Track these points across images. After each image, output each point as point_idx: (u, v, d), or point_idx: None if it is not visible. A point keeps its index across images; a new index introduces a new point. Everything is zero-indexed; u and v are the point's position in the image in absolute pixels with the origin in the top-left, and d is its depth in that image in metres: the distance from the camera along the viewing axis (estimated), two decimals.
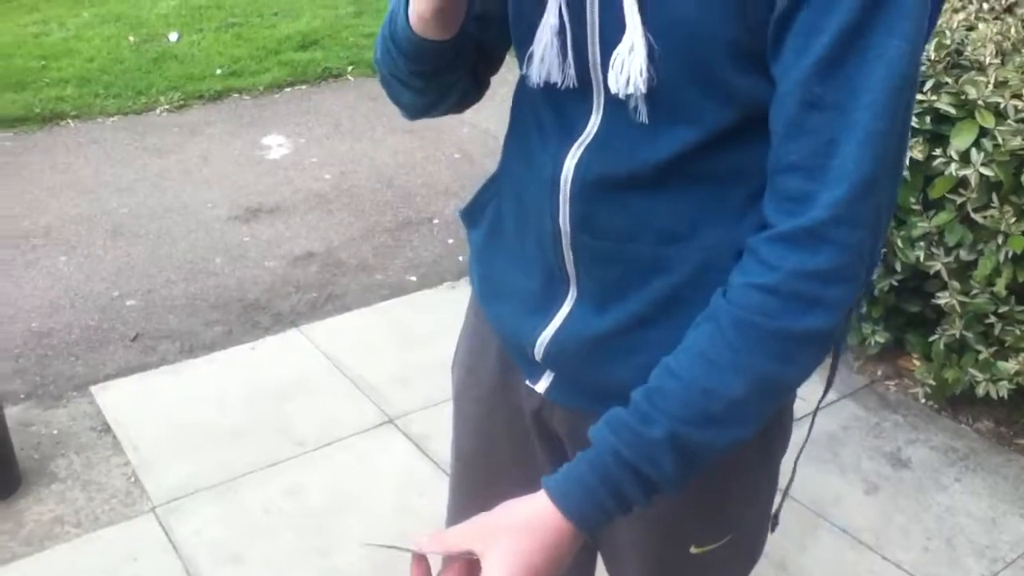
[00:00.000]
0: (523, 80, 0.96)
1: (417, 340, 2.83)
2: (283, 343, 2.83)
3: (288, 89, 4.92)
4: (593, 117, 0.86)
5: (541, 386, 0.99)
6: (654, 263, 0.87)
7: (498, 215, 1.02)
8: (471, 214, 1.08)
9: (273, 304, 3.05)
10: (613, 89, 0.81)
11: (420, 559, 0.79)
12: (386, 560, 2.01)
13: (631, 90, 0.80)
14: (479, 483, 1.19)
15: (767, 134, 0.78)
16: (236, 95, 4.80)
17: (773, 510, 1.07)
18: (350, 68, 5.16)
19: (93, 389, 2.57)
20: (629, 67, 0.79)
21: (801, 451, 1.03)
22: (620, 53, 0.79)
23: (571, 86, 0.86)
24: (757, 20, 0.74)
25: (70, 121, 4.41)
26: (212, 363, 2.71)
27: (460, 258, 3.36)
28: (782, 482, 1.05)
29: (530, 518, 0.76)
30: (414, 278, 3.24)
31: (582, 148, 0.87)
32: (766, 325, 0.76)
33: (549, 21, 0.84)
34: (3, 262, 3.20)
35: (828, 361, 0.89)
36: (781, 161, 0.76)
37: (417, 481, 2.25)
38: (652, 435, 0.76)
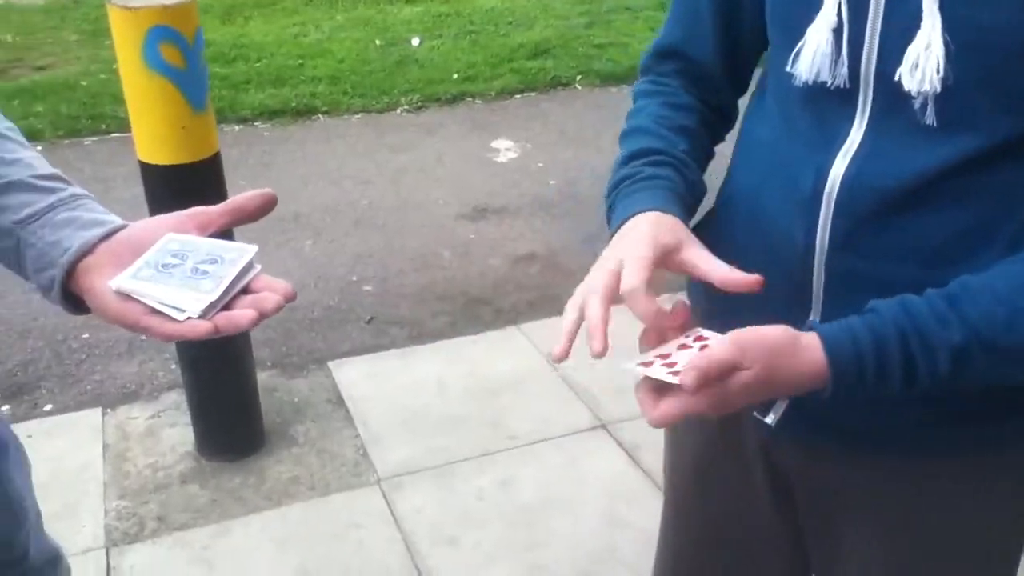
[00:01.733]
0: (766, 91, 0.95)
1: (634, 350, 2.82)
2: (503, 339, 2.92)
3: (518, 96, 5.08)
4: (857, 122, 0.83)
5: (771, 418, 0.94)
6: (915, 289, 0.80)
7: (729, 232, 0.98)
8: (696, 233, 1.07)
9: (495, 300, 3.16)
10: (907, 86, 0.78)
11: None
12: (588, 565, 2.04)
13: (926, 87, 0.77)
14: (693, 512, 1.18)
15: None
16: (470, 99, 5.01)
17: None
18: (578, 78, 5.26)
19: (331, 364, 2.77)
20: (924, 64, 0.77)
21: None
22: (915, 49, 0.77)
23: (842, 85, 0.83)
24: None
25: (320, 116, 4.76)
26: (437, 351, 2.84)
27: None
28: None
29: (795, 344, 0.77)
30: None
31: (848, 156, 0.84)
32: None
33: (828, 17, 0.82)
34: (257, 242, 3.50)
35: None
36: None
37: (627, 490, 2.26)
38: (944, 337, 0.75)
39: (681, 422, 1.08)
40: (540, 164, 4.23)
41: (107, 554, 2.07)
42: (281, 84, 5.04)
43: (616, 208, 0.95)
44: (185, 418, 2.52)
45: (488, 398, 2.61)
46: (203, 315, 0.67)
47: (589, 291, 0.83)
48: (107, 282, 0.71)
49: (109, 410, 2.58)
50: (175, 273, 0.70)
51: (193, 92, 1.83)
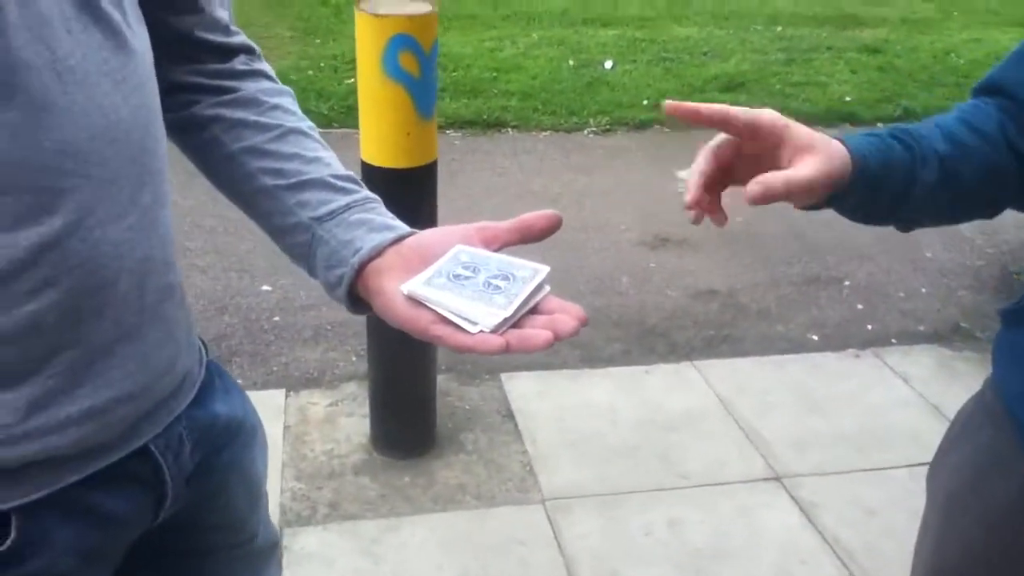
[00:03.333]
0: None
1: (815, 404, 2.71)
2: (676, 373, 2.86)
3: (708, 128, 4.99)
4: None
5: None
6: None
7: None
8: (1018, 313, 0.98)
9: (671, 333, 3.10)
10: None
11: None
12: None
13: None
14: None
15: None
16: (658, 127, 4.97)
17: None
18: None
19: (503, 376, 2.79)
20: None
21: None
22: None
23: None
24: None
25: (510, 130, 4.84)
26: (607, 378, 2.81)
27: (868, 327, 3.18)
28: None
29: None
30: (816, 337, 3.11)
31: None
32: None
33: None
34: None
35: None
36: None
37: (801, 549, 2.15)
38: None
39: (961, 511, 0.98)
40: (725, 199, 4.12)
41: (280, 534, 2.15)
42: (475, 95, 5.16)
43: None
44: (362, 410, 2.60)
45: (660, 432, 2.56)
46: (495, 330, 0.66)
47: None
48: (398, 285, 0.71)
49: (292, 392, 2.69)
50: (467, 285, 0.69)
51: (423, 100, 1.88)
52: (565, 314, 0.69)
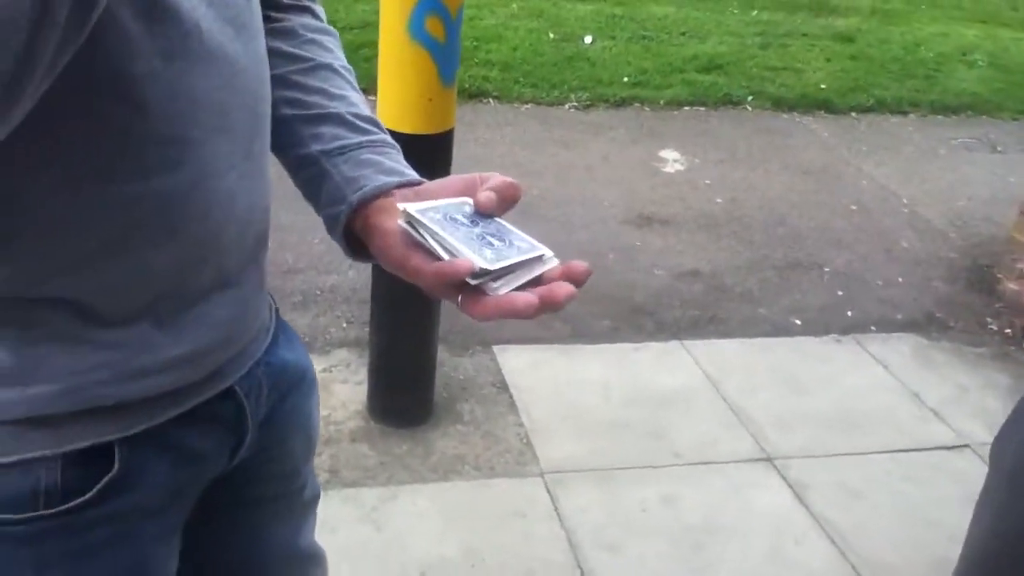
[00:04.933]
0: None
1: (800, 386, 2.77)
2: (665, 352, 2.89)
3: (687, 108, 5.02)
4: None
5: None
6: None
7: None
8: None
9: (658, 312, 3.13)
10: None
11: None
12: None
13: None
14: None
15: None
16: (638, 105, 4.98)
17: None
18: (750, 98, 5.16)
19: (495, 348, 2.79)
20: None
21: None
22: None
23: None
24: None
25: (491, 100, 4.81)
26: (599, 353, 2.83)
27: (848, 313, 3.24)
28: None
29: None
30: (798, 321, 3.17)
31: None
32: None
33: None
34: None
35: None
36: None
37: (793, 529, 2.20)
38: None
39: None
40: (707, 180, 4.17)
41: None
42: None
43: None
44: (356, 376, 2.58)
45: (652, 409, 2.59)
46: (473, 279, 0.63)
47: None
48: (398, 222, 0.70)
49: None
50: (461, 229, 0.66)
51: (446, 66, 1.86)
52: (563, 281, 0.65)
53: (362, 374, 2.54)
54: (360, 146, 0.80)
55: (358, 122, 0.82)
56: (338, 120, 0.81)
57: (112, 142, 0.60)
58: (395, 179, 0.76)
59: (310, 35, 0.86)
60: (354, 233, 0.77)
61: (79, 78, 0.55)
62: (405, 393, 2.41)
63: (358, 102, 0.84)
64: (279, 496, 0.94)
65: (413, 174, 0.79)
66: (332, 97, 0.83)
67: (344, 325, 2.83)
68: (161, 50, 0.59)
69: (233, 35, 0.66)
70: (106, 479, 0.71)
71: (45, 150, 0.58)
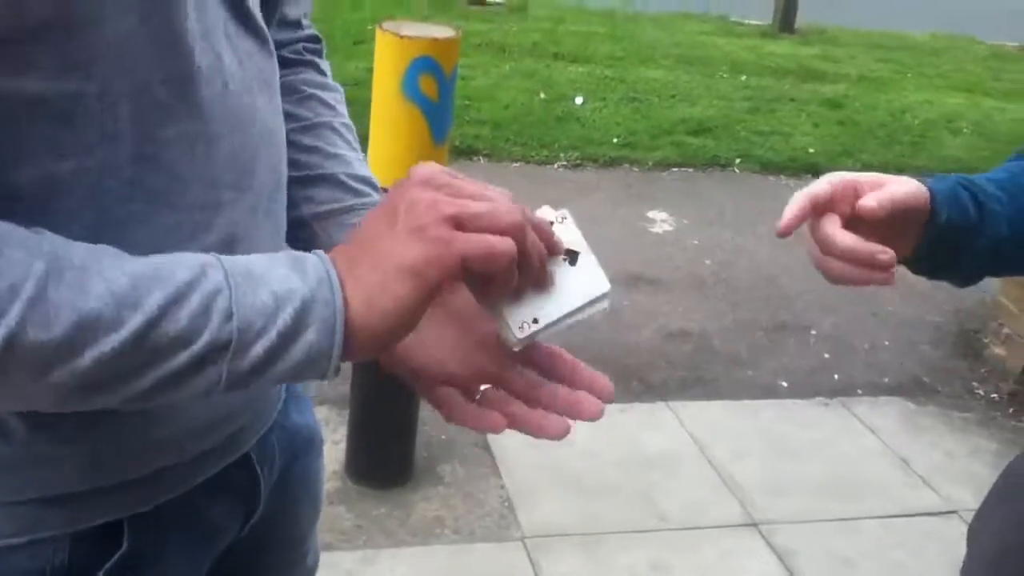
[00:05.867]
0: None
1: (788, 450, 2.74)
2: (651, 414, 2.86)
3: (676, 169, 5.06)
4: None
5: None
6: None
7: None
8: None
9: (645, 373, 3.10)
10: None
11: None
12: None
13: None
14: None
15: None
16: (627, 165, 5.02)
17: None
18: (738, 160, 5.21)
19: None
20: None
21: None
22: None
23: None
24: None
25: (481, 159, 4.84)
26: None
27: (835, 376, 3.22)
28: None
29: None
30: (785, 384, 3.15)
31: None
32: None
33: None
34: None
35: None
36: None
37: None
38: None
39: None
40: (695, 241, 4.18)
41: None
42: None
43: None
44: (335, 435, 2.53)
45: (638, 472, 2.54)
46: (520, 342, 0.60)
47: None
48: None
49: None
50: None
51: (438, 125, 1.86)
52: (591, 391, 0.65)
53: (341, 432, 2.49)
54: (352, 209, 0.78)
55: (352, 183, 0.80)
56: (332, 182, 0.79)
57: (146, 209, 0.58)
58: None
59: (311, 91, 0.85)
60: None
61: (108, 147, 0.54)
62: (386, 453, 2.36)
63: (354, 161, 0.83)
64: (286, 564, 0.91)
65: None
66: (327, 156, 0.81)
67: (324, 384, 2.79)
68: (194, 114, 0.58)
69: (260, 95, 0.66)
70: (116, 557, 0.67)
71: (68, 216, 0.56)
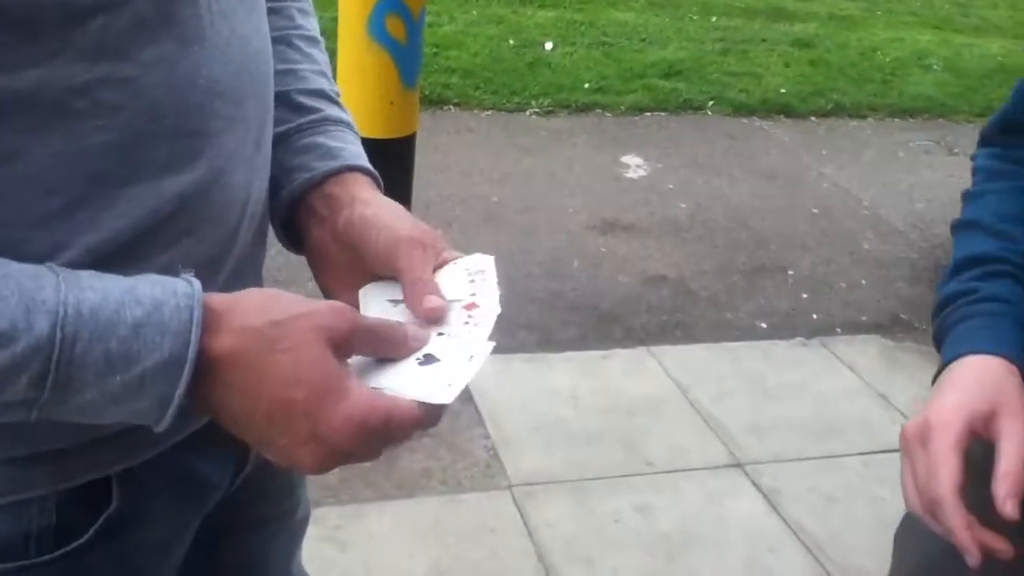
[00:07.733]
0: None
1: (768, 392, 2.74)
2: (633, 359, 2.85)
3: (648, 113, 5.01)
4: None
5: None
6: None
7: None
8: None
9: (625, 319, 3.09)
10: None
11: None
12: None
13: None
14: None
15: None
16: (599, 111, 4.95)
17: None
18: (710, 103, 5.16)
19: None
20: None
21: None
22: None
23: None
24: None
25: (452, 108, 4.75)
26: (567, 362, 2.78)
27: (814, 316, 3.23)
28: None
29: None
30: (764, 325, 3.15)
31: None
32: None
33: None
34: None
35: None
36: None
37: (767, 536, 2.17)
38: None
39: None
40: (670, 186, 4.15)
41: None
42: None
43: (946, 339, 0.85)
44: None
45: (622, 418, 2.54)
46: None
47: (935, 491, 0.73)
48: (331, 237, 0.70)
49: None
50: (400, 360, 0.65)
51: (408, 68, 1.80)
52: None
53: None
54: (299, 129, 0.75)
55: (301, 99, 0.76)
56: (281, 101, 0.75)
57: (123, 138, 0.54)
58: (331, 164, 0.72)
59: (270, 4, 0.80)
60: (295, 225, 0.73)
61: (81, 66, 0.50)
62: None
63: (308, 74, 0.78)
64: (274, 518, 0.90)
65: (351, 153, 0.74)
66: (277, 74, 0.76)
67: None
68: (177, 34, 0.54)
69: (245, 17, 0.62)
70: (104, 516, 0.64)
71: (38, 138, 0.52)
